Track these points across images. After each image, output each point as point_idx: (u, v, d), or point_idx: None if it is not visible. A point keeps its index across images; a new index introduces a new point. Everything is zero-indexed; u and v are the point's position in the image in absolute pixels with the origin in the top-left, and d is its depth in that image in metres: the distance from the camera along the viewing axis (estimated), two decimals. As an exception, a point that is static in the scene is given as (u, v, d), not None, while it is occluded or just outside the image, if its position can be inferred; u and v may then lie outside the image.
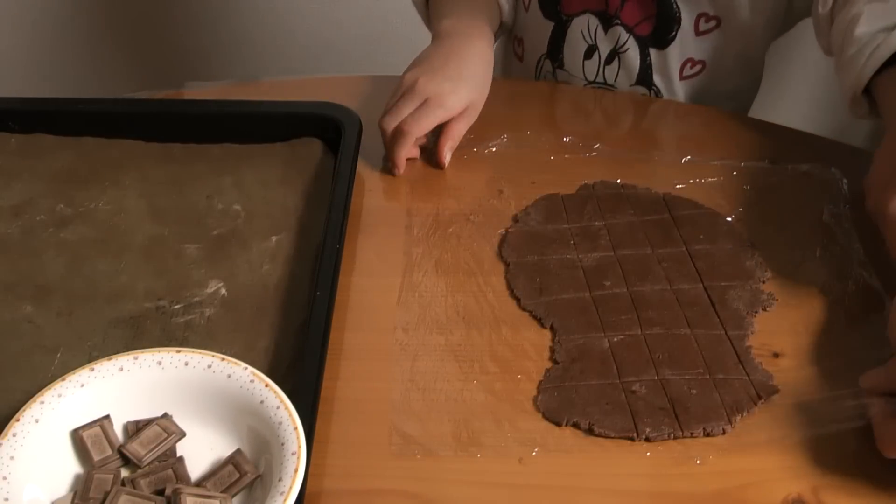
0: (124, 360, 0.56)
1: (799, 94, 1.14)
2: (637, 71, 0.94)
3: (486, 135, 0.84)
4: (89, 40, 1.60)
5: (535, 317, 0.65)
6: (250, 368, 0.55)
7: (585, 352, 0.62)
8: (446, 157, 0.80)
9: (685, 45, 0.91)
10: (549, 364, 0.61)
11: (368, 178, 0.79)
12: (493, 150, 0.83)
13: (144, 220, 0.72)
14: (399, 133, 0.78)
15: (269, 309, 0.64)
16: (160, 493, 0.51)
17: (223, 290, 0.65)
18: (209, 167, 0.77)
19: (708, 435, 0.56)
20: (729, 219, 0.74)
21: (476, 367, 0.61)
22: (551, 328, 0.64)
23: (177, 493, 0.50)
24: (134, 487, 0.51)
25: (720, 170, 0.80)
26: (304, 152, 0.78)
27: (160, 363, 0.56)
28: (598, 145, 0.83)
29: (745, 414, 0.57)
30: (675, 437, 0.56)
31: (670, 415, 0.57)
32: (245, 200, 0.73)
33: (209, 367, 0.56)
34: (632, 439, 0.56)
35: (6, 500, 0.48)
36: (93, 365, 0.56)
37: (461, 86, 0.80)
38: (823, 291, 0.67)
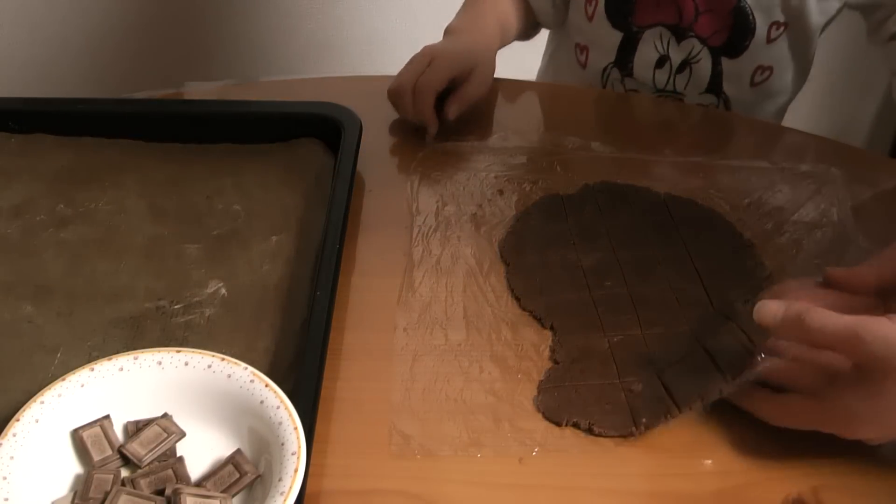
0: (124, 360, 0.56)
1: (799, 94, 1.14)
2: (708, 80, 0.95)
3: (487, 134, 0.84)
4: (89, 40, 1.60)
5: (535, 317, 0.65)
6: (250, 368, 0.55)
7: (585, 352, 0.62)
8: (452, 110, 0.83)
9: (757, 53, 0.93)
10: (549, 364, 0.61)
11: (368, 178, 0.79)
12: (494, 149, 0.83)
13: (144, 220, 0.72)
14: (416, 93, 0.82)
15: (269, 309, 0.64)
16: (160, 493, 0.51)
17: (223, 290, 0.65)
18: (209, 167, 0.77)
19: (705, 404, 0.56)
20: (729, 219, 0.74)
21: (476, 367, 0.61)
22: (551, 328, 0.64)
23: (177, 493, 0.50)
24: (134, 487, 0.51)
25: (720, 170, 0.80)
26: (304, 152, 0.78)
27: (160, 363, 0.56)
28: (598, 145, 0.83)
29: (743, 372, 0.56)
30: (672, 417, 0.56)
31: (666, 401, 0.57)
32: (245, 201, 0.73)
33: (209, 367, 0.56)
34: (631, 434, 0.56)
35: (6, 500, 0.48)
36: (93, 365, 0.56)
37: (464, 48, 0.86)
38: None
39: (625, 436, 0.56)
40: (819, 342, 0.51)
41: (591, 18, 0.97)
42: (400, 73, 0.84)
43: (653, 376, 0.59)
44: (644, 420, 0.56)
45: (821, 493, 0.53)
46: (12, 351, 0.60)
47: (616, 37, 0.96)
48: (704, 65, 0.94)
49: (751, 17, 0.90)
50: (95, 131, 0.79)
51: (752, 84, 0.95)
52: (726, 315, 0.61)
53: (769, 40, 0.92)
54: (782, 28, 0.92)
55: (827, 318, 0.50)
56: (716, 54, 0.93)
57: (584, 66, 1.02)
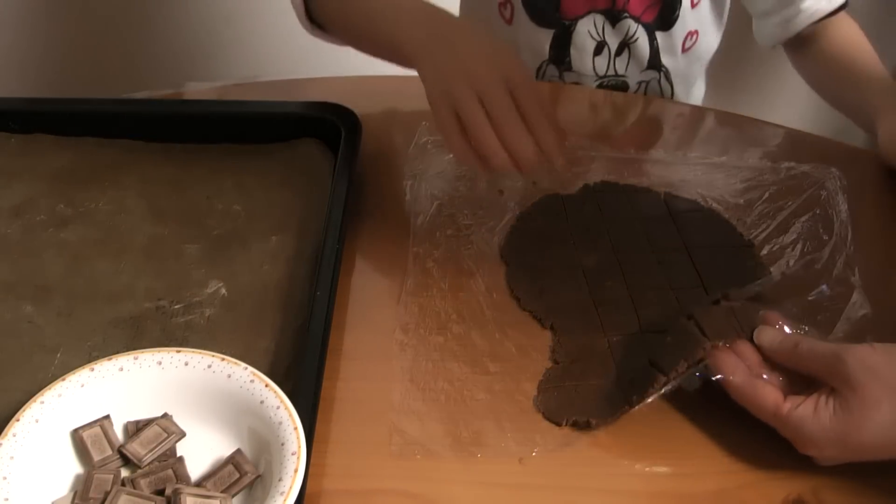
0: (124, 360, 0.56)
1: (799, 94, 1.13)
2: (647, 57, 0.95)
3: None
4: (89, 40, 1.60)
5: (535, 317, 0.65)
6: (250, 368, 0.55)
7: (585, 352, 0.62)
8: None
9: (685, 21, 0.94)
10: (549, 364, 0.61)
11: (368, 178, 0.79)
12: (494, 150, 0.83)
13: (145, 220, 0.72)
14: (526, 106, 0.61)
15: (269, 309, 0.64)
16: (160, 493, 0.51)
17: (223, 290, 0.65)
18: (209, 167, 0.77)
19: (692, 365, 0.56)
20: (728, 219, 0.74)
21: (476, 367, 0.61)
22: (551, 328, 0.64)
23: (177, 493, 0.50)
24: (134, 487, 0.51)
25: (720, 169, 0.80)
26: (304, 152, 0.78)
27: (160, 363, 0.56)
28: (597, 145, 0.83)
29: (726, 342, 0.57)
30: (659, 384, 0.56)
31: (652, 371, 0.57)
32: (245, 201, 0.73)
33: (209, 367, 0.56)
34: (625, 411, 0.56)
35: (6, 500, 0.48)
36: (93, 365, 0.56)
37: (485, 30, 0.66)
38: (822, 291, 0.67)
39: (618, 416, 0.56)
40: (808, 367, 0.55)
41: (509, 21, 0.94)
42: (476, 123, 0.60)
43: (645, 364, 0.59)
44: (634, 397, 0.56)
45: (821, 493, 0.53)
46: (12, 351, 0.60)
47: (546, 34, 0.94)
48: (642, 43, 0.94)
49: None
50: (95, 131, 0.79)
51: (684, 50, 0.96)
52: (720, 297, 0.61)
53: (693, 5, 0.93)
54: None
55: (816, 344, 0.55)
56: (650, 30, 0.94)
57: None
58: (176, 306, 0.64)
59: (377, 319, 0.65)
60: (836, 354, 0.53)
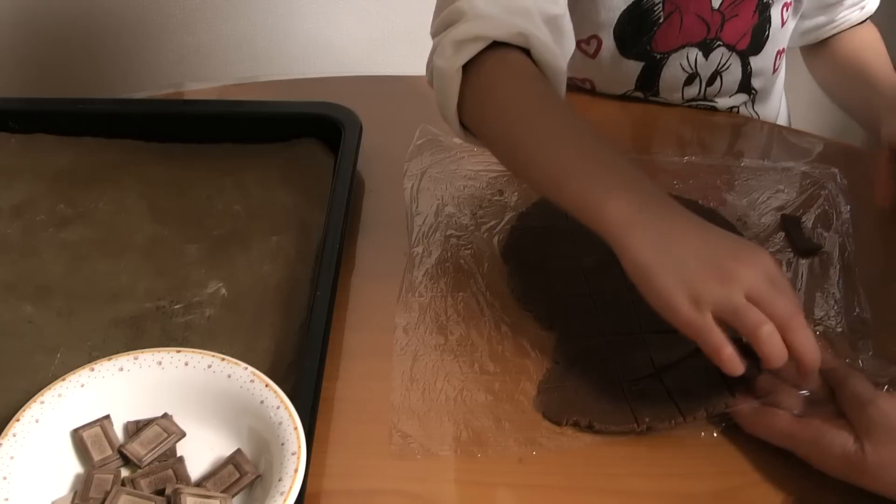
0: (124, 360, 0.56)
1: (799, 94, 1.13)
2: (738, 82, 0.91)
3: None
4: (89, 40, 1.60)
5: (535, 317, 0.65)
6: (250, 368, 0.55)
7: (585, 352, 0.62)
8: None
9: (775, 40, 0.91)
10: (549, 364, 0.61)
11: (368, 178, 0.79)
12: (494, 150, 0.83)
13: (145, 220, 0.72)
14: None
15: (269, 309, 0.64)
16: (160, 493, 0.51)
17: (223, 291, 0.65)
18: (209, 167, 0.77)
19: (710, 415, 0.56)
20: (729, 219, 0.74)
21: (476, 367, 0.61)
22: (551, 328, 0.64)
23: (177, 493, 0.50)
24: (134, 487, 0.51)
25: (720, 170, 0.80)
26: (304, 152, 0.78)
27: (160, 363, 0.56)
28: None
29: (747, 385, 0.57)
30: (676, 424, 0.56)
31: (669, 404, 0.57)
32: (245, 201, 0.73)
33: (209, 367, 0.56)
34: (632, 430, 0.56)
35: (6, 500, 0.48)
36: (93, 365, 0.56)
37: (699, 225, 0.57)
38: (821, 290, 0.67)
39: (626, 432, 0.56)
40: (840, 403, 0.54)
41: (594, 56, 0.90)
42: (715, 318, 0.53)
43: (654, 376, 0.59)
44: (647, 419, 0.56)
45: (821, 493, 0.53)
46: (12, 351, 0.60)
47: (634, 66, 0.89)
48: (734, 70, 0.90)
49: (770, 9, 0.88)
50: (95, 131, 0.79)
51: (774, 71, 0.93)
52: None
53: (783, 23, 0.90)
54: (790, 7, 0.90)
55: (852, 383, 0.54)
56: (744, 56, 0.90)
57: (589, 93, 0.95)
58: (176, 306, 0.64)
59: (377, 319, 0.65)
60: (862, 402, 0.52)
